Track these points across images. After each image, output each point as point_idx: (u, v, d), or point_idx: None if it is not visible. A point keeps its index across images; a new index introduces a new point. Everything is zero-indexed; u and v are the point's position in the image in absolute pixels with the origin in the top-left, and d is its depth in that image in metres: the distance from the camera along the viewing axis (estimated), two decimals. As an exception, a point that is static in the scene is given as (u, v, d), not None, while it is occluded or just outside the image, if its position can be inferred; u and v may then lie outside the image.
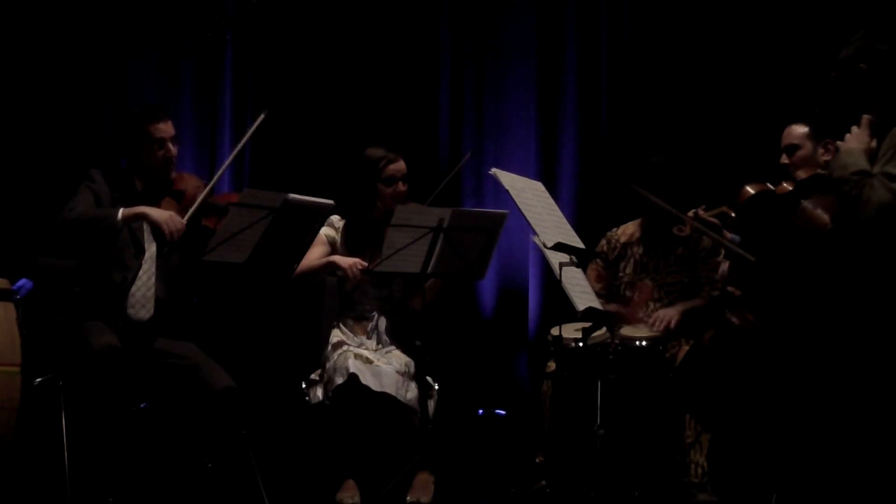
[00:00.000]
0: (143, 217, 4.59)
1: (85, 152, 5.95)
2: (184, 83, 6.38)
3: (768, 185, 4.64)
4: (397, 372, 4.84)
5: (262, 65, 6.42)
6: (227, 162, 4.88)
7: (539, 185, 4.81)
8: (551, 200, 4.79)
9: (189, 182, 4.82)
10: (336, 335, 5.05)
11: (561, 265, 4.61)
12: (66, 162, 5.91)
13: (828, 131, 4.70)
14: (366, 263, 4.93)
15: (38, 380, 4.69)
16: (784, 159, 4.77)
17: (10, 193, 5.92)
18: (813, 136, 4.74)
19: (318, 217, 4.62)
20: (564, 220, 4.75)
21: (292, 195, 4.43)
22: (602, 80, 6.39)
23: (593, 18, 6.41)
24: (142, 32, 6.31)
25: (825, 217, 4.14)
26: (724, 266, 5.05)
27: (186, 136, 6.29)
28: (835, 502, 3.96)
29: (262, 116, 4.80)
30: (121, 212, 4.55)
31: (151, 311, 4.70)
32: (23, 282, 5.03)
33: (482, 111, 6.52)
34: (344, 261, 4.97)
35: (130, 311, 4.68)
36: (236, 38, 6.34)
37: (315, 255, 4.99)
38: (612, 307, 5.22)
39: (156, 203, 4.70)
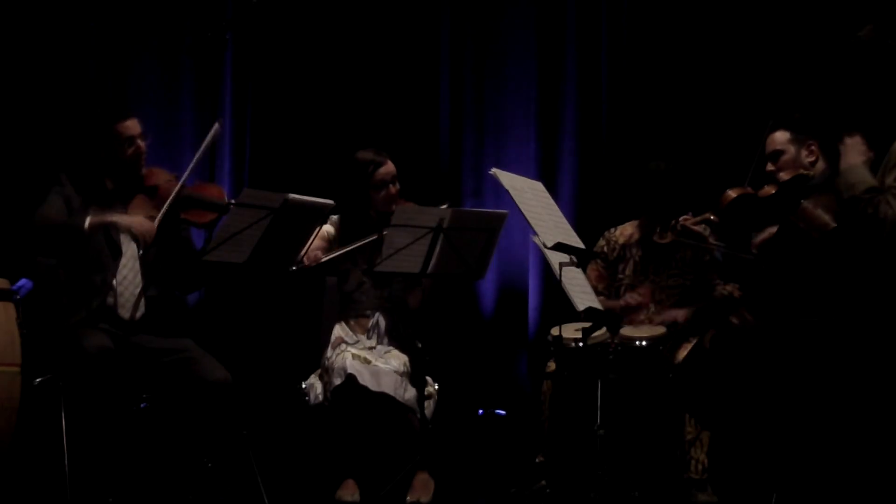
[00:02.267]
0: (113, 225, 4.61)
1: (78, 149, 5.94)
2: (184, 83, 6.38)
3: (749, 188, 4.66)
4: (396, 372, 4.84)
5: (261, 65, 6.42)
6: (196, 159, 4.81)
7: (539, 185, 4.81)
8: (551, 200, 4.78)
9: (160, 176, 4.82)
10: (336, 335, 5.05)
11: (561, 265, 4.61)
12: (68, 162, 5.89)
13: (809, 132, 4.72)
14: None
15: (38, 380, 4.69)
16: (770, 167, 4.79)
17: (11, 193, 5.92)
18: (795, 139, 4.76)
19: (318, 217, 4.62)
20: (564, 220, 4.75)
21: (292, 195, 4.43)
22: (602, 80, 6.39)
23: (593, 19, 6.41)
24: (142, 33, 6.31)
25: (825, 217, 4.15)
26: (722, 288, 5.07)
27: (186, 136, 6.30)
28: (835, 502, 3.96)
29: (215, 128, 4.79)
30: (88, 220, 4.56)
31: (143, 310, 4.70)
32: (23, 282, 5.03)
33: (482, 111, 6.52)
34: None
35: (122, 312, 4.68)
36: (236, 38, 6.34)
37: (314, 246, 4.98)
38: (617, 303, 5.24)
39: (128, 201, 4.71)
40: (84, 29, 6.21)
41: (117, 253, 4.70)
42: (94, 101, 6.12)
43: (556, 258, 4.64)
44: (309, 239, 4.65)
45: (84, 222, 4.55)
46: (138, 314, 4.69)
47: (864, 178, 3.84)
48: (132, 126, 4.75)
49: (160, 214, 4.63)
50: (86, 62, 6.21)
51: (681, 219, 5.04)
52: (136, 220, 4.61)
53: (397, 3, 6.49)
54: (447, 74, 6.51)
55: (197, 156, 4.76)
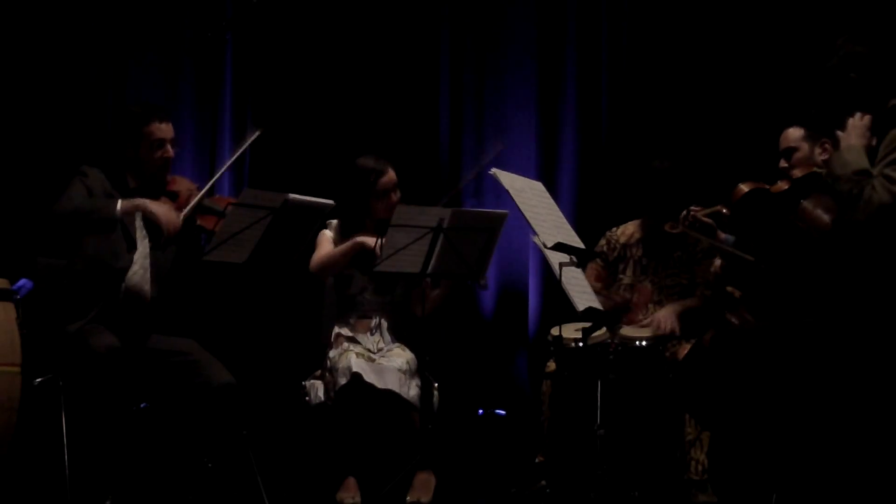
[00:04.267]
0: (142, 209, 4.57)
1: (85, 152, 5.95)
2: (184, 83, 6.38)
3: (762, 183, 4.65)
4: (399, 370, 4.85)
5: (261, 65, 6.42)
6: (223, 170, 4.89)
7: (539, 185, 4.81)
8: (551, 200, 4.78)
9: (182, 184, 4.83)
10: (337, 334, 5.05)
11: (561, 265, 4.61)
12: (67, 162, 5.90)
13: (824, 131, 4.71)
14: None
15: (38, 380, 4.69)
16: (783, 163, 4.78)
17: (11, 193, 5.92)
18: (809, 136, 4.76)
19: (318, 217, 4.62)
20: (564, 220, 4.75)
21: (292, 195, 4.44)
22: (602, 80, 6.39)
23: (593, 18, 6.41)
24: (142, 33, 6.31)
25: (826, 217, 4.14)
26: (718, 262, 5.04)
27: (186, 137, 6.29)
28: (835, 502, 3.96)
29: (256, 133, 4.80)
30: (119, 203, 4.53)
31: (145, 308, 4.69)
32: (23, 282, 5.02)
33: (482, 111, 6.52)
34: (371, 240, 4.93)
35: (124, 306, 4.67)
36: (236, 39, 6.34)
37: (325, 250, 4.99)
38: (616, 299, 5.23)
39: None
40: (84, 28, 6.21)
41: (132, 246, 4.69)
42: (108, 103, 6.12)
43: (556, 258, 4.64)
44: (307, 239, 4.65)
45: (116, 206, 4.52)
46: (141, 310, 4.69)
47: (859, 160, 3.85)
48: (165, 129, 4.72)
49: (185, 211, 4.62)
50: (85, 63, 6.22)
51: (691, 209, 5.03)
52: (165, 208, 4.59)
53: (397, 4, 6.49)
54: (447, 74, 6.51)
55: (228, 162, 4.79)
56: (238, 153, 4.89)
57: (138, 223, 4.67)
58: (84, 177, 4.66)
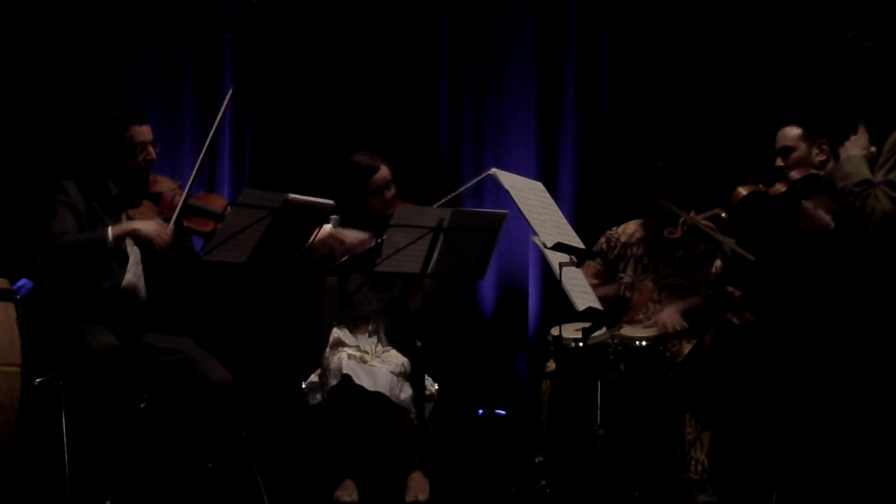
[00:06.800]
0: (133, 234, 4.60)
1: (85, 152, 5.95)
2: (184, 83, 6.38)
3: (760, 185, 4.65)
4: (392, 372, 4.85)
5: (261, 65, 6.42)
6: (201, 156, 4.83)
7: (539, 185, 4.81)
8: (551, 200, 4.78)
9: (164, 184, 4.82)
10: (335, 336, 5.05)
11: (561, 265, 4.61)
12: (67, 162, 5.90)
13: (821, 132, 4.70)
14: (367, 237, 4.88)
15: (38, 380, 4.69)
16: (779, 162, 4.77)
17: (10, 193, 5.92)
18: (806, 137, 4.73)
19: (318, 217, 4.62)
20: (564, 220, 4.75)
21: (292, 195, 4.43)
22: (602, 80, 6.39)
23: (593, 18, 6.41)
24: (142, 33, 6.31)
25: (826, 217, 4.15)
26: (718, 263, 5.04)
27: (186, 137, 6.30)
28: (835, 502, 3.96)
29: (230, 92, 4.79)
30: (110, 232, 4.55)
31: (139, 307, 4.70)
32: (23, 282, 5.03)
33: (482, 111, 6.52)
34: (350, 235, 4.94)
35: (126, 315, 4.68)
36: (236, 39, 6.34)
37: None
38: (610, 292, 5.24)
39: (134, 206, 4.71)
40: (83, 29, 6.21)
41: (124, 260, 4.70)
42: (108, 103, 6.12)
43: (556, 258, 4.64)
44: (309, 239, 4.66)
45: (107, 236, 4.55)
46: (137, 316, 4.69)
47: (860, 170, 3.86)
48: (145, 132, 4.73)
49: (172, 221, 4.62)
50: (85, 63, 6.22)
51: (690, 214, 5.02)
52: (155, 227, 4.60)
53: (397, 4, 6.49)
54: (447, 75, 6.51)
55: (202, 154, 4.77)
56: (211, 133, 4.85)
57: (129, 241, 4.68)
58: (66, 196, 4.65)
